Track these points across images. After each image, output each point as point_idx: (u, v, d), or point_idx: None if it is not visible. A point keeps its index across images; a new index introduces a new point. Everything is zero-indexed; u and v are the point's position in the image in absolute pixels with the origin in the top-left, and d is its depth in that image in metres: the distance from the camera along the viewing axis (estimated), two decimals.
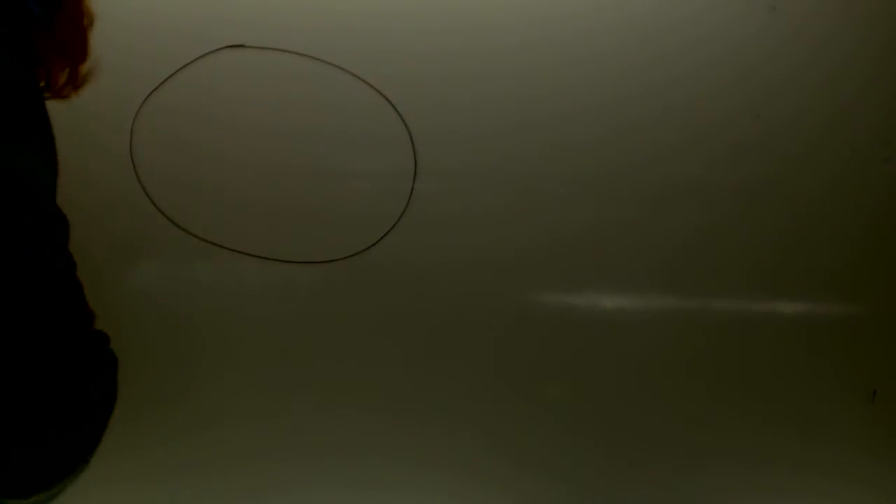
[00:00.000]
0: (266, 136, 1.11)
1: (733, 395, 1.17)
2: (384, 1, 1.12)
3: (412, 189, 1.13)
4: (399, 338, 1.14)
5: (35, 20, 0.67)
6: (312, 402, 1.14)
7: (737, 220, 1.15)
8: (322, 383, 1.13)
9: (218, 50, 1.10)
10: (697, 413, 1.16)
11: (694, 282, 1.16)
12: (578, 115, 1.14)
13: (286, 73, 1.11)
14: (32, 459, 0.60)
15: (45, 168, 0.64)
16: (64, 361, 0.62)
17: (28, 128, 0.63)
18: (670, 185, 1.15)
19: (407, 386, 1.14)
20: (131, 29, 1.04)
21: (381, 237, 1.12)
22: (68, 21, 0.72)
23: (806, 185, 1.16)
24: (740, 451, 1.17)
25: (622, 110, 1.14)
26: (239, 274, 1.12)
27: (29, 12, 0.67)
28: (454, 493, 1.15)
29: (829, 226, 1.16)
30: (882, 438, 1.18)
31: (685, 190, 1.15)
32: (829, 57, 1.15)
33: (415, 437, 1.14)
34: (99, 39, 0.76)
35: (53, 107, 0.68)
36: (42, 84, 0.73)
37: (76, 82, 0.76)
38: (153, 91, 1.10)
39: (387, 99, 1.12)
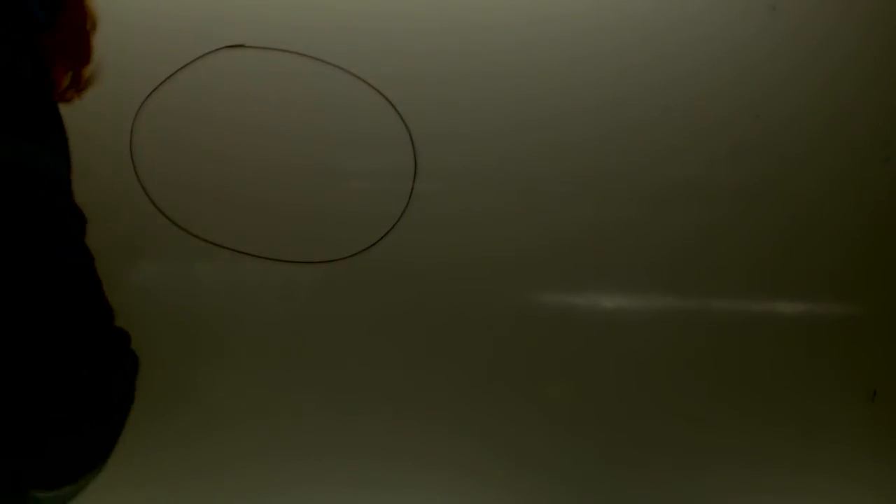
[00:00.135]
0: (266, 136, 1.11)
1: (733, 395, 1.17)
2: (384, 1, 1.12)
3: (412, 189, 1.13)
4: (399, 338, 1.14)
5: (37, 22, 0.67)
6: (312, 402, 1.14)
7: (737, 220, 1.15)
8: (322, 383, 1.13)
9: (218, 50, 1.10)
10: (697, 413, 1.16)
11: (694, 282, 1.16)
12: (578, 115, 1.14)
13: (286, 73, 1.11)
14: (58, 451, 0.60)
15: (61, 164, 0.64)
16: (82, 356, 0.62)
17: (42, 124, 0.63)
18: (670, 185, 1.15)
19: (407, 386, 1.14)
20: (131, 29, 1.04)
21: (381, 237, 1.12)
22: (70, 23, 0.72)
23: (806, 185, 1.16)
24: (740, 451, 1.17)
25: (622, 110, 1.14)
26: (239, 274, 1.12)
27: (31, 14, 0.67)
28: (454, 493, 1.15)
29: (829, 226, 1.16)
30: (882, 438, 1.18)
31: (685, 190, 1.15)
32: (829, 57, 1.15)
33: (415, 437, 1.14)
34: (99, 40, 0.76)
35: None
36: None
37: (79, 85, 0.76)
38: (153, 91, 1.10)
39: (387, 99, 1.12)
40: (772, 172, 1.16)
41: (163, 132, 1.10)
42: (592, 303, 1.16)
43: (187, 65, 1.10)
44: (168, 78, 1.10)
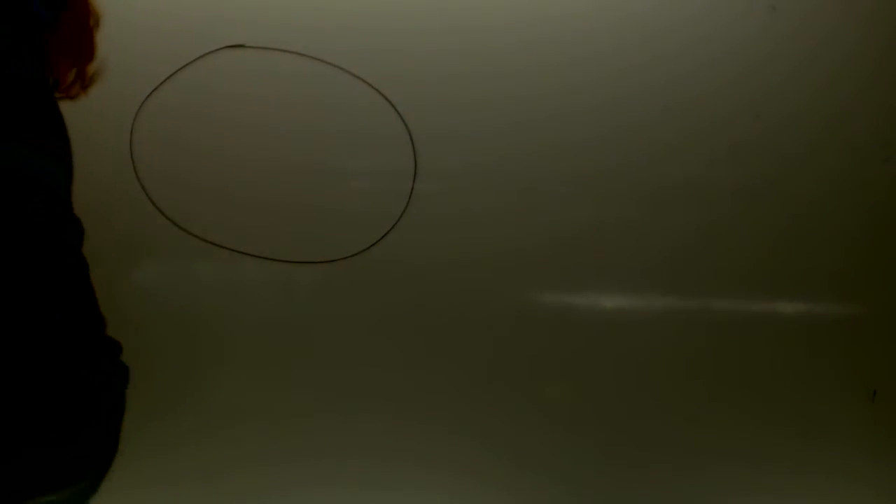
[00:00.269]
0: (266, 136, 1.11)
1: (733, 395, 1.17)
2: (384, 1, 1.12)
3: (412, 189, 1.13)
4: (399, 338, 1.14)
5: (40, 21, 0.67)
6: (312, 402, 1.14)
7: (737, 220, 1.15)
8: (322, 383, 1.13)
9: (218, 50, 1.10)
10: (697, 413, 1.16)
11: (694, 282, 1.16)
12: (578, 115, 1.14)
13: (286, 73, 1.11)
14: (29, 461, 0.58)
15: (58, 169, 0.63)
16: (72, 364, 0.61)
17: (41, 128, 0.63)
18: (670, 185, 1.15)
19: (407, 386, 1.14)
20: (131, 29, 1.04)
21: (381, 237, 1.12)
22: (74, 21, 0.72)
23: (806, 185, 1.16)
24: (740, 451, 1.17)
25: (622, 110, 1.14)
26: (239, 274, 1.12)
27: (34, 13, 0.66)
28: (454, 493, 1.15)
29: (829, 226, 1.16)
30: (882, 438, 1.18)
31: (685, 190, 1.15)
32: (829, 57, 1.15)
33: (415, 438, 1.14)
34: (100, 39, 0.76)
35: None
36: (50, 85, 0.73)
37: (84, 82, 0.76)
38: (153, 91, 1.10)
39: (387, 99, 1.12)
40: (772, 172, 1.16)
41: (163, 132, 1.10)
42: (592, 303, 1.16)
43: (187, 65, 1.10)
44: (168, 78, 1.10)
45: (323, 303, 1.13)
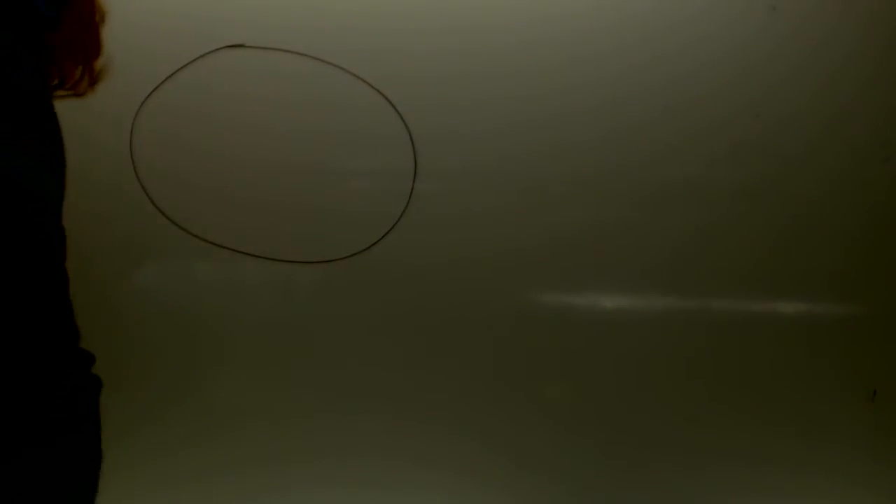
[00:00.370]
0: (266, 136, 1.11)
1: (733, 395, 1.17)
2: (384, 1, 1.12)
3: (412, 189, 1.13)
4: (399, 338, 1.14)
5: (43, 19, 0.67)
6: (312, 402, 1.14)
7: (737, 220, 1.15)
8: (322, 383, 1.13)
9: (218, 50, 1.10)
10: (697, 413, 1.16)
11: (694, 282, 1.16)
12: (578, 115, 1.14)
13: (286, 73, 1.11)
14: (14, 469, 0.57)
15: (50, 180, 0.62)
16: (43, 376, 0.59)
17: (35, 137, 0.61)
18: (670, 185, 1.15)
19: (407, 386, 1.14)
20: (131, 28, 1.04)
21: (381, 237, 1.12)
22: (78, 18, 0.71)
23: (806, 185, 1.16)
24: (740, 451, 1.17)
25: (622, 110, 1.14)
26: (239, 274, 1.12)
27: (36, 11, 0.66)
28: (454, 493, 1.15)
29: (829, 226, 1.16)
30: (882, 438, 1.18)
31: (685, 190, 1.15)
32: (829, 57, 1.15)
33: (415, 437, 1.14)
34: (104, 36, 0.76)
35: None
36: (56, 82, 0.72)
37: (92, 78, 0.75)
38: (153, 91, 1.10)
39: (387, 99, 1.12)
40: (772, 172, 1.16)
41: (163, 131, 1.10)
42: (592, 303, 1.16)
43: (187, 64, 1.10)
44: (168, 78, 1.10)
45: (323, 303, 1.13)
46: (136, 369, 1.11)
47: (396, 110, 1.12)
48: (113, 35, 0.78)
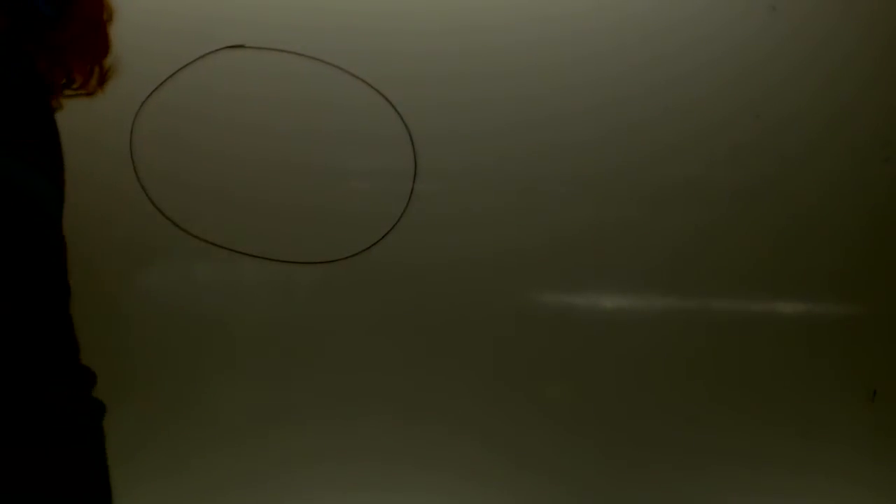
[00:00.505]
0: (266, 136, 1.11)
1: (733, 395, 1.16)
2: (384, 1, 1.12)
3: (412, 189, 1.13)
4: (399, 338, 1.13)
5: (45, 19, 0.66)
6: (312, 403, 1.14)
7: (737, 220, 1.15)
8: (322, 384, 1.13)
9: (218, 50, 1.10)
10: (697, 413, 1.16)
11: (694, 282, 1.16)
12: (578, 115, 1.14)
13: (286, 73, 1.11)
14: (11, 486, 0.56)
15: (46, 186, 0.61)
16: (44, 389, 0.59)
17: (37, 147, 0.61)
18: (670, 185, 1.15)
19: (407, 386, 1.14)
20: (131, 29, 1.04)
21: (382, 237, 1.12)
22: (82, 17, 0.70)
23: (806, 185, 1.16)
24: (740, 451, 1.17)
25: (622, 110, 1.14)
26: (239, 274, 1.12)
27: (38, 11, 0.65)
28: (454, 493, 1.15)
29: (829, 226, 1.16)
30: (882, 438, 1.18)
31: (685, 190, 1.15)
32: (829, 57, 1.15)
33: (415, 438, 1.14)
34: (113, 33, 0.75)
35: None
36: (64, 81, 0.72)
37: (101, 77, 0.75)
38: (153, 91, 1.10)
39: (387, 99, 1.12)
40: (772, 172, 1.16)
41: (163, 132, 1.10)
42: (592, 303, 1.16)
43: (187, 65, 1.10)
44: (168, 78, 1.10)
45: (323, 303, 1.13)
46: (136, 369, 1.11)
47: (396, 110, 1.12)
48: (113, 35, 0.78)
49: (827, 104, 1.16)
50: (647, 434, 1.16)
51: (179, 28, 1.10)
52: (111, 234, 1.09)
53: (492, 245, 1.13)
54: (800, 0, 1.15)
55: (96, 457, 0.65)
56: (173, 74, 1.10)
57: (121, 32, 0.77)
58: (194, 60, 1.10)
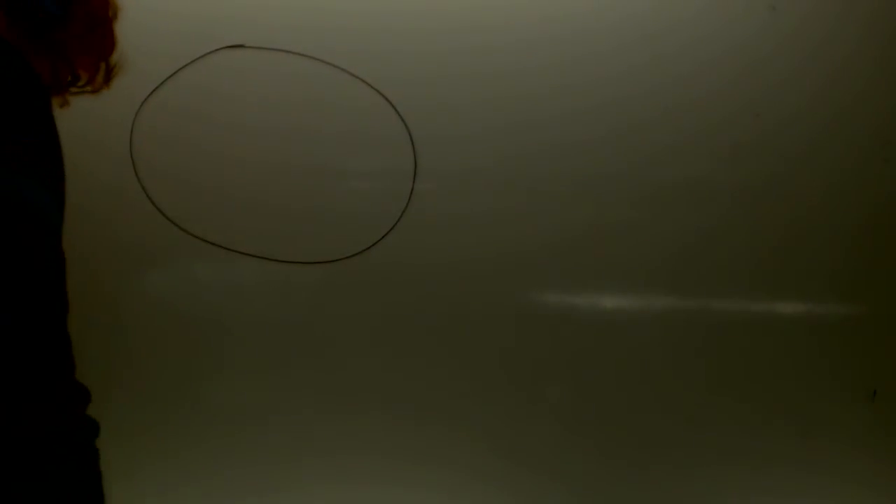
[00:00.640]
0: (266, 137, 1.11)
1: (733, 395, 1.16)
2: (384, 1, 1.12)
3: (412, 189, 1.13)
4: (399, 338, 1.13)
5: (50, 17, 0.66)
6: (312, 402, 1.13)
7: (737, 220, 1.15)
8: (322, 383, 1.13)
9: (218, 50, 1.10)
10: (697, 413, 1.16)
11: (694, 282, 1.16)
12: (578, 115, 1.14)
13: (286, 73, 1.11)
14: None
15: (47, 198, 0.61)
16: (38, 403, 0.58)
17: (32, 156, 0.60)
18: (671, 185, 1.15)
19: (407, 385, 1.14)
20: (131, 28, 1.04)
21: (382, 237, 1.12)
22: (87, 14, 0.70)
23: (806, 185, 1.16)
24: (741, 451, 1.17)
25: (622, 111, 1.14)
26: (238, 274, 1.12)
27: (42, 9, 0.65)
28: (455, 492, 1.15)
29: (829, 226, 1.16)
30: (882, 438, 1.18)
31: (685, 190, 1.15)
32: (829, 57, 1.15)
33: (415, 437, 1.14)
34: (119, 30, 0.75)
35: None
36: (70, 79, 0.72)
37: (108, 74, 0.75)
38: (153, 91, 1.10)
39: (387, 99, 1.12)
40: (772, 172, 1.16)
41: (163, 132, 1.10)
42: (592, 303, 1.16)
43: (187, 65, 1.10)
44: (168, 78, 1.10)
45: (323, 303, 1.13)
46: (136, 369, 1.11)
47: (396, 110, 1.12)
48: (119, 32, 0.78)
49: (827, 104, 1.16)
50: (647, 433, 1.16)
51: (179, 28, 1.10)
52: (111, 235, 1.09)
53: (492, 245, 1.13)
54: (800, 0, 1.15)
55: (90, 475, 0.65)
56: (173, 74, 1.10)
57: (121, 32, 0.77)
58: (194, 60, 1.10)
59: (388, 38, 1.12)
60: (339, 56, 1.11)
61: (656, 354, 1.15)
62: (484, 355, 1.14)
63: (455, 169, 1.13)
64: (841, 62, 1.16)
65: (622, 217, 1.15)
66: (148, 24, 1.08)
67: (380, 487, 1.14)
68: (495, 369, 1.14)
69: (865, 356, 1.17)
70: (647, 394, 1.16)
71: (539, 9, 1.13)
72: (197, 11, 1.10)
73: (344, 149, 1.13)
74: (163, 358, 1.11)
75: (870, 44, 1.16)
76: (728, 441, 1.17)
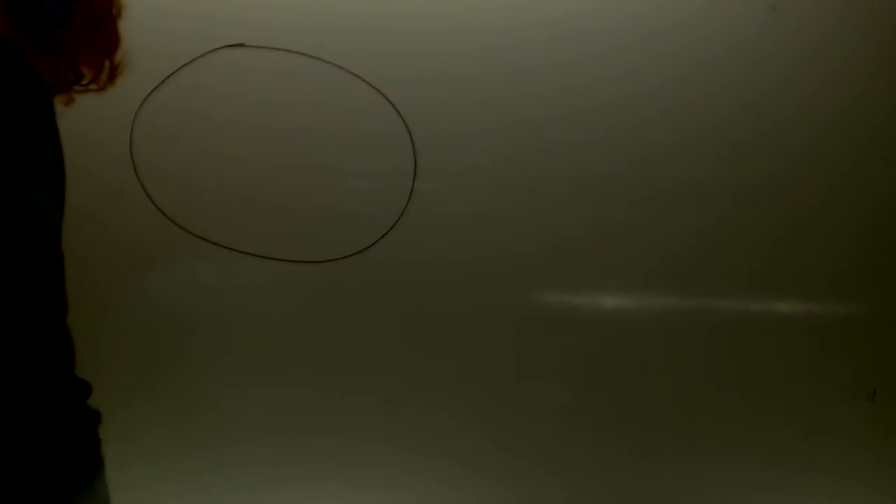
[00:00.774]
0: (266, 136, 1.11)
1: (733, 395, 1.17)
2: (384, 1, 1.12)
3: (412, 189, 1.13)
4: (399, 337, 1.13)
5: (51, 16, 0.66)
6: (312, 402, 1.14)
7: (737, 220, 1.15)
8: (322, 383, 1.13)
9: (218, 50, 1.10)
10: (698, 413, 1.16)
11: (694, 282, 1.16)
12: (578, 115, 1.14)
13: (286, 72, 1.11)
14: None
15: (47, 199, 0.61)
16: (39, 401, 0.59)
17: (32, 156, 0.60)
18: (670, 186, 1.15)
19: (407, 384, 1.14)
20: (131, 28, 1.04)
21: (381, 237, 1.12)
22: (90, 14, 0.70)
23: (806, 185, 1.16)
24: (741, 450, 1.17)
25: (622, 111, 1.14)
26: (239, 273, 1.12)
27: (43, 9, 0.65)
28: (456, 489, 1.15)
29: (829, 226, 1.16)
30: (882, 437, 1.18)
31: (685, 190, 1.15)
32: (829, 57, 1.15)
33: (414, 437, 1.14)
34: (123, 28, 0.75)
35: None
36: (73, 77, 0.72)
37: (112, 72, 0.75)
38: (153, 90, 1.10)
39: (387, 98, 1.12)
40: (772, 172, 1.16)
41: (163, 131, 1.10)
42: (592, 303, 1.16)
43: (187, 64, 1.10)
44: (168, 77, 1.10)
45: (323, 302, 1.13)
46: (136, 369, 1.11)
47: (396, 110, 1.12)
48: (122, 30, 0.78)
49: (827, 104, 1.16)
50: (648, 433, 1.16)
51: (179, 28, 1.10)
52: (111, 235, 1.09)
53: (492, 245, 1.13)
54: (800, 0, 1.15)
55: (92, 465, 0.65)
56: (173, 73, 1.10)
57: (123, 31, 0.77)
58: (194, 59, 1.10)
59: (388, 37, 1.12)
60: (338, 55, 1.11)
61: (656, 354, 1.15)
62: (484, 355, 1.14)
63: (455, 169, 1.13)
64: (841, 62, 1.16)
65: (622, 217, 1.15)
66: (147, 23, 1.08)
67: (380, 486, 1.14)
68: (495, 369, 1.14)
69: (865, 356, 1.17)
70: (648, 393, 1.16)
71: (539, 9, 1.13)
72: (197, 11, 1.10)
73: (344, 148, 1.13)
74: (161, 357, 1.11)
75: (870, 44, 1.16)
76: (728, 440, 1.17)
